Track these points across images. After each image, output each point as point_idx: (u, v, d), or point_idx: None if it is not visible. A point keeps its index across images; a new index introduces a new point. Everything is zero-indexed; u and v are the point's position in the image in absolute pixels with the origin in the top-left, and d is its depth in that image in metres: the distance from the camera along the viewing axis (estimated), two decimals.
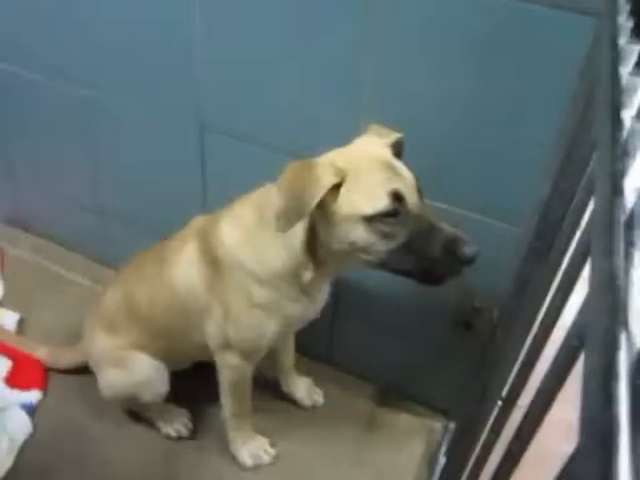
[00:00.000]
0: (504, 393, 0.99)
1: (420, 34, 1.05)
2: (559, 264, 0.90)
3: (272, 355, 1.49)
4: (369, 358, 1.59)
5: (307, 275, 1.06)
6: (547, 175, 1.02)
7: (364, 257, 0.96)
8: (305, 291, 1.11)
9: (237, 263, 1.10)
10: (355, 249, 0.95)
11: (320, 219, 0.96)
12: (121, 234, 1.84)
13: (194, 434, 1.47)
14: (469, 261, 0.90)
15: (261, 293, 1.11)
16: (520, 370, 0.92)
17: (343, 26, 1.11)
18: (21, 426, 1.41)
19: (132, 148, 1.60)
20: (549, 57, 0.97)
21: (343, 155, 0.97)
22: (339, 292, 1.49)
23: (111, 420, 1.48)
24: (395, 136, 1.02)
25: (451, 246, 0.89)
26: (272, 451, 1.42)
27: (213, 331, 1.20)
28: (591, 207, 0.73)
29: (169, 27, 1.31)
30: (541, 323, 0.86)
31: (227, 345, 1.20)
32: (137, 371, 1.32)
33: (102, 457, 1.41)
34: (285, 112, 1.28)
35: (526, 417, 0.65)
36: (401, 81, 1.12)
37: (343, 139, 1.22)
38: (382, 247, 0.93)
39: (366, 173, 0.92)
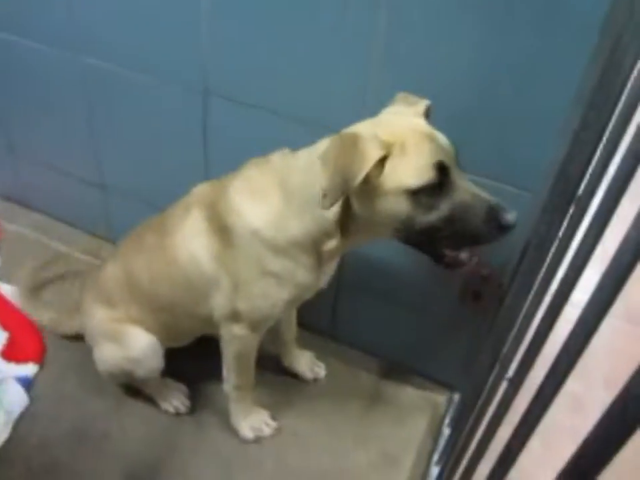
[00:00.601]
0: (513, 366, 0.96)
1: None
2: (573, 232, 0.87)
3: (273, 329, 1.46)
4: (373, 332, 1.57)
5: (332, 244, 1.04)
6: (563, 137, 0.99)
7: (401, 228, 0.95)
8: (322, 260, 1.08)
9: (251, 230, 1.06)
10: (393, 222, 0.94)
11: (360, 191, 0.93)
12: (122, 209, 1.80)
13: (193, 409, 1.45)
14: (511, 227, 0.90)
15: (275, 262, 1.07)
16: (530, 343, 0.89)
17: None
18: (17, 399, 1.39)
19: (133, 118, 1.56)
20: (565, 15, 0.93)
21: (384, 127, 0.94)
22: (343, 264, 1.46)
23: (110, 395, 1.46)
24: (424, 103, 1.00)
25: (493, 214, 0.90)
26: (273, 424, 1.40)
27: (220, 303, 1.17)
28: (610, 172, 0.70)
29: None
30: (555, 292, 0.83)
31: (235, 317, 1.17)
32: (132, 346, 1.28)
33: (100, 431, 1.39)
34: (291, 77, 1.24)
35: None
36: (412, 44, 1.08)
37: (352, 103, 1.19)
38: (424, 218, 0.92)
39: (411, 145, 0.90)
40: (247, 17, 1.22)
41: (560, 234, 0.80)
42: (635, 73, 0.70)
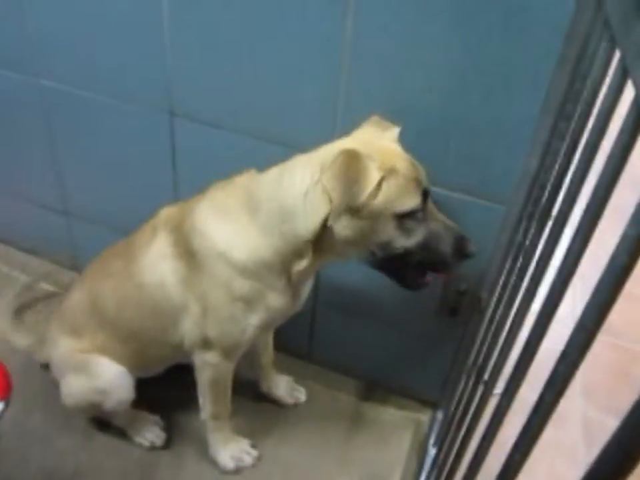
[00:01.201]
0: (485, 376, 0.96)
1: (394, 2, 1.01)
2: (555, 241, 0.87)
3: (250, 355, 1.42)
4: (351, 352, 1.55)
5: (302, 264, 1.01)
6: (534, 147, 1.00)
7: (378, 251, 0.96)
8: (291, 281, 1.06)
9: (217, 252, 1.03)
10: (374, 243, 0.95)
11: (349, 210, 0.91)
12: (88, 235, 1.75)
13: (169, 441, 1.39)
14: (471, 257, 0.96)
15: (243, 285, 1.04)
16: (500, 352, 0.89)
17: (317, 3, 1.07)
18: None
19: (97, 141, 1.52)
20: (533, 17, 0.94)
21: (372, 149, 0.93)
22: (318, 286, 1.44)
23: (78, 429, 1.39)
24: (396, 129, 1.01)
25: (460, 244, 0.95)
26: (254, 452, 1.35)
27: (189, 330, 1.13)
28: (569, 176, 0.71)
29: (135, 10, 1.24)
30: (519, 305, 0.84)
31: (205, 344, 1.13)
32: (99, 376, 1.23)
33: (71, 469, 1.32)
34: (258, 97, 1.23)
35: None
36: (379, 54, 1.08)
37: (319, 122, 1.18)
38: (403, 242, 0.94)
39: (402, 170, 0.92)
40: (209, 37, 1.20)
41: (540, 244, 0.81)
42: (607, 79, 0.71)
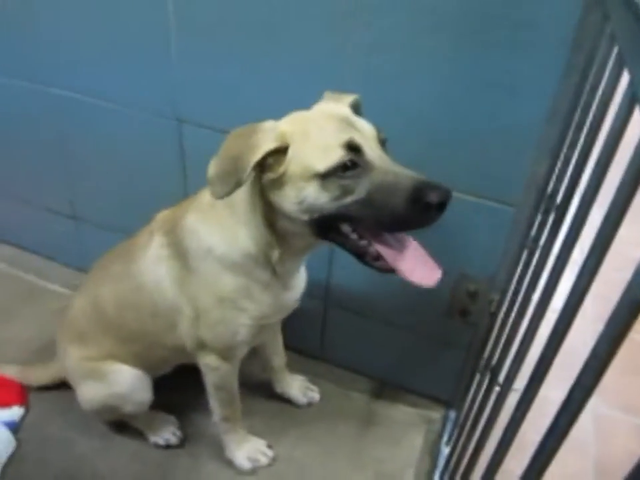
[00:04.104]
0: (501, 376, 0.97)
1: (406, 11, 1.02)
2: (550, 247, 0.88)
3: (261, 356, 1.45)
4: (363, 351, 1.56)
5: (275, 254, 1.01)
6: (542, 153, 1.00)
7: (317, 218, 0.89)
8: (276, 273, 1.05)
9: (205, 249, 1.04)
10: (308, 210, 0.88)
11: (272, 187, 0.90)
12: (98, 239, 1.76)
13: (185, 441, 1.42)
14: (439, 206, 0.81)
15: (229, 282, 1.05)
16: (517, 352, 0.89)
17: (322, 18, 1.08)
18: (4, 444, 1.34)
19: (106, 147, 1.53)
20: (539, 29, 0.95)
21: (294, 118, 0.93)
22: (329, 286, 1.46)
23: (97, 433, 1.42)
24: (351, 97, 0.98)
25: (418, 193, 0.81)
26: (270, 453, 1.37)
27: (186, 332, 1.14)
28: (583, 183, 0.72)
29: (142, 22, 1.26)
30: (538, 303, 0.84)
31: (202, 346, 1.15)
32: (117, 382, 1.25)
33: (91, 471, 1.35)
34: (263, 105, 1.23)
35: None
36: (389, 63, 1.09)
37: None
38: (339, 203, 0.86)
39: (315, 129, 0.88)
40: (213, 47, 1.22)
41: (556, 245, 0.82)
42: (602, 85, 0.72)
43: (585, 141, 0.77)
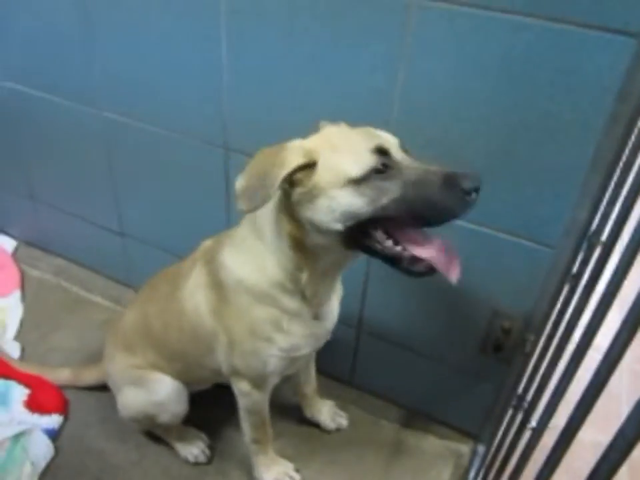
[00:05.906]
0: (536, 416, 0.96)
1: (452, 54, 1.05)
2: (594, 284, 0.88)
3: (293, 381, 1.48)
4: (393, 379, 1.57)
5: (304, 276, 1.02)
6: (584, 197, 1.01)
7: (352, 225, 0.90)
8: (306, 299, 1.07)
9: (237, 281, 1.07)
10: (342, 218, 0.89)
11: (303, 201, 0.92)
12: (143, 256, 1.84)
13: (213, 458, 1.45)
14: (473, 191, 0.84)
15: (260, 313, 1.07)
16: (554, 392, 0.89)
17: (373, 47, 1.11)
18: (43, 451, 1.39)
19: (154, 170, 1.60)
20: (584, 77, 0.96)
21: (319, 135, 0.97)
22: (362, 315, 1.48)
23: (133, 444, 1.46)
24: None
25: (451, 182, 0.85)
26: (297, 477, 1.39)
27: (222, 358, 1.19)
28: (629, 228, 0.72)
29: (195, 53, 1.32)
30: (577, 344, 0.84)
31: (236, 372, 1.19)
32: (157, 391, 1.31)
33: None
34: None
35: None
36: (430, 101, 1.12)
37: None
38: (376, 205, 0.87)
39: (342, 141, 0.92)
40: (263, 78, 1.26)
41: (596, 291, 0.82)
42: None
43: (635, 181, 0.77)
